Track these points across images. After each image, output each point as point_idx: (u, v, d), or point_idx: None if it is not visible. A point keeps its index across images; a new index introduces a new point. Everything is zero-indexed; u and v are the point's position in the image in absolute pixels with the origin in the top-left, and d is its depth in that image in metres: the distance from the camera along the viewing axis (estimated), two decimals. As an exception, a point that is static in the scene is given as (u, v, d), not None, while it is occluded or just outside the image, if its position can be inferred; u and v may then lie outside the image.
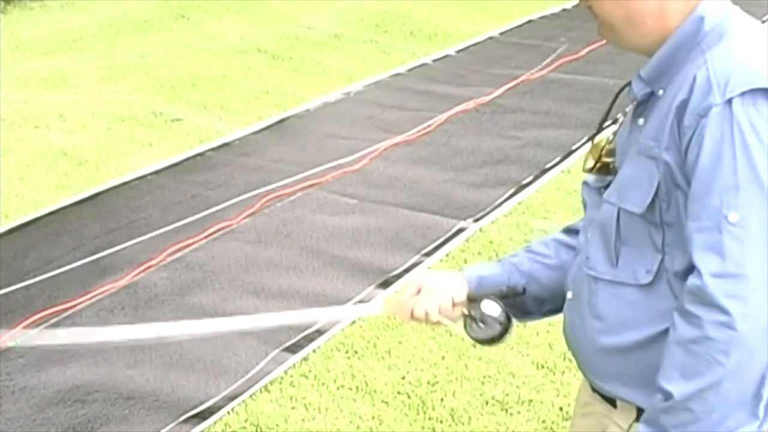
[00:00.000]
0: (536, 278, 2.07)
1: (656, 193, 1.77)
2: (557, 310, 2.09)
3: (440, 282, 2.05)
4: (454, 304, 2.03)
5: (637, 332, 1.84)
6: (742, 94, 1.68)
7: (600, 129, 1.99)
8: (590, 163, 1.94)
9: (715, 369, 1.66)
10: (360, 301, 4.31)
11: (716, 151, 1.68)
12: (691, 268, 1.71)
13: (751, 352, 1.65)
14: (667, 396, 1.70)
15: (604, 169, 1.92)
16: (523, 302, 2.07)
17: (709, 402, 1.67)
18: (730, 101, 1.68)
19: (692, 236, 1.70)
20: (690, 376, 1.68)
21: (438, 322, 2.02)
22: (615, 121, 2.02)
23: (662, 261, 1.80)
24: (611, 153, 1.92)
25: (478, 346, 3.97)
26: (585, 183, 2.10)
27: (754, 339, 1.65)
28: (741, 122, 1.68)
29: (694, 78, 1.73)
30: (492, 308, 1.98)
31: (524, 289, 2.02)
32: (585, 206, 2.09)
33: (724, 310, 1.65)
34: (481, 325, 1.98)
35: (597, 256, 1.90)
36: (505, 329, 2.00)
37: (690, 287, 1.69)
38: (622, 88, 1.97)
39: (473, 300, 2.01)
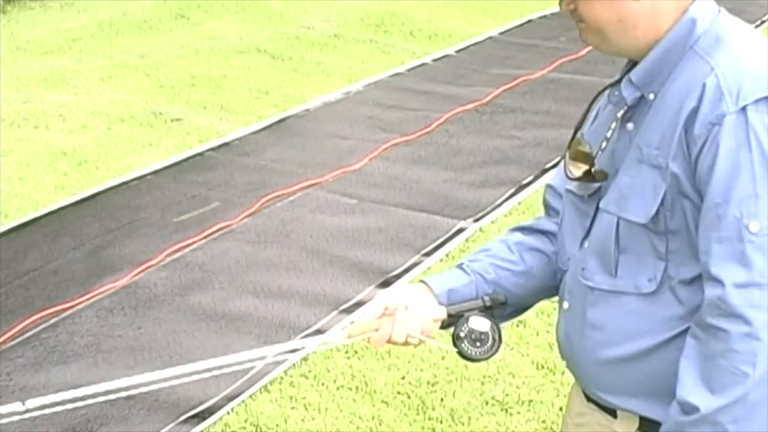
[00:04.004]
0: (503, 286, 2.00)
1: (661, 203, 1.75)
2: (518, 312, 2.08)
3: (413, 301, 1.96)
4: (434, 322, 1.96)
5: (640, 342, 1.81)
6: (756, 101, 1.67)
7: (575, 135, 1.93)
8: (579, 172, 1.89)
9: (742, 381, 1.65)
10: (359, 302, 4.31)
11: (733, 160, 1.67)
12: (700, 277, 1.70)
13: None
14: (692, 409, 1.68)
15: (588, 176, 1.88)
16: None
17: (736, 413, 1.66)
18: (744, 109, 1.67)
19: (710, 247, 1.68)
20: (717, 390, 1.67)
21: (420, 343, 1.96)
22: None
23: (666, 269, 1.78)
24: (592, 159, 1.87)
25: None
26: (550, 186, 2.07)
27: None
28: (757, 130, 1.67)
29: (704, 85, 1.71)
30: (482, 324, 1.91)
31: (506, 299, 1.96)
32: (549, 209, 2.07)
33: (747, 321, 1.64)
34: (477, 344, 1.91)
35: (594, 266, 1.87)
36: (501, 343, 1.92)
37: (711, 299, 1.67)
38: (600, 93, 1.94)
39: (454, 316, 1.93)
